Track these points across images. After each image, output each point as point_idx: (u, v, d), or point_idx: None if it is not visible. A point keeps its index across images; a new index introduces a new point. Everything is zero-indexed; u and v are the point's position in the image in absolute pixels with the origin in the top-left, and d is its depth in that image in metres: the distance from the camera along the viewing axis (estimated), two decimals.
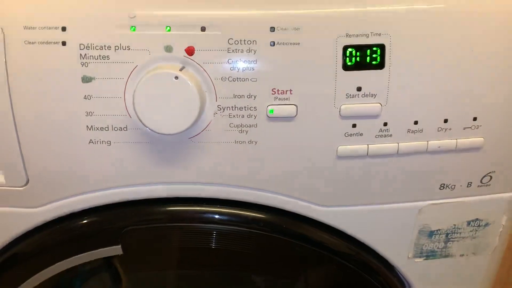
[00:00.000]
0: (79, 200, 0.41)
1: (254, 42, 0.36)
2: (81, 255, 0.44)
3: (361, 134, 0.39)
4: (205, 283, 0.52)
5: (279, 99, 0.38)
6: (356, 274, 0.46)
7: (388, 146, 0.40)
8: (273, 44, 0.36)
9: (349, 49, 0.37)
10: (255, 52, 0.36)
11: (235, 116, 0.38)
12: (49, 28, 0.35)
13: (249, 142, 0.39)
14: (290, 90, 0.37)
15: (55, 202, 0.42)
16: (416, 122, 0.39)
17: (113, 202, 0.42)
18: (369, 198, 0.43)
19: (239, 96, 0.37)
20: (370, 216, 0.44)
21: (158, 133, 0.37)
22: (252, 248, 0.45)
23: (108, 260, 0.49)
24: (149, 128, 0.37)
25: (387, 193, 0.43)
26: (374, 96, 0.38)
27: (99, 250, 0.43)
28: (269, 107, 0.38)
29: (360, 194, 0.42)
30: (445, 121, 0.40)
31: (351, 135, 0.39)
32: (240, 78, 0.37)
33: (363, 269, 0.46)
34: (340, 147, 0.40)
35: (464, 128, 0.40)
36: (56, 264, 0.44)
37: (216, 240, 0.44)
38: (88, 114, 0.38)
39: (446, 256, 0.47)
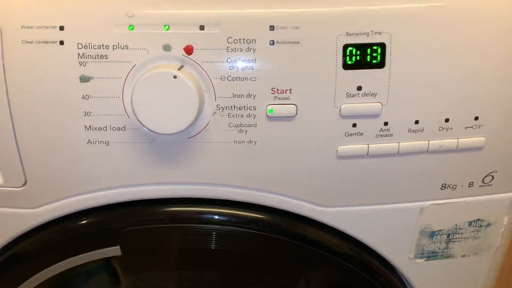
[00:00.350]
0: (77, 201, 0.41)
1: (254, 41, 0.36)
2: (80, 255, 0.44)
3: (362, 134, 0.39)
4: (205, 283, 0.52)
5: (279, 98, 0.37)
6: (356, 275, 0.46)
7: (388, 145, 0.40)
8: (272, 43, 0.36)
9: (350, 48, 0.36)
10: (254, 51, 0.36)
11: (235, 115, 0.38)
12: (47, 27, 0.35)
13: (249, 142, 0.39)
14: (290, 90, 0.37)
15: (54, 203, 0.41)
16: (417, 122, 0.39)
17: (112, 202, 0.42)
18: (369, 198, 0.43)
19: (238, 96, 0.37)
20: (371, 216, 0.43)
21: (157, 133, 0.37)
22: (252, 249, 0.44)
23: (107, 260, 0.49)
24: (147, 128, 0.37)
25: (387, 193, 0.43)
26: (374, 95, 0.38)
27: (98, 251, 0.43)
28: (269, 107, 0.37)
29: (360, 194, 0.42)
30: (446, 120, 0.39)
31: (351, 134, 0.39)
32: (239, 78, 0.37)
33: (364, 269, 0.46)
34: (340, 146, 0.39)
35: (466, 128, 0.40)
36: (55, 264, 0.44)
37: (215, 240, 0.44)
38: (86, 114, 0.37)
39: (447, 256, 0.47)
